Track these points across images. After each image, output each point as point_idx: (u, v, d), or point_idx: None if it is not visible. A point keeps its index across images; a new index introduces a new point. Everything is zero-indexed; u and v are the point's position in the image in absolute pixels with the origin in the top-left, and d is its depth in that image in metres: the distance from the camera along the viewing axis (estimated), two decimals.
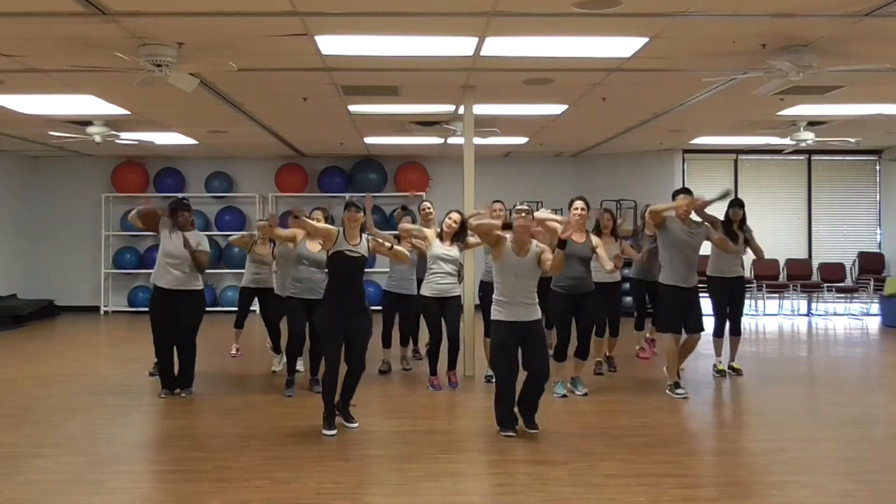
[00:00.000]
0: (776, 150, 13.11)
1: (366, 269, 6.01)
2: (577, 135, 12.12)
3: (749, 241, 7.99)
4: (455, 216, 7.19)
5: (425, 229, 7.47)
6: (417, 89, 8.56)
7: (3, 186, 13.77)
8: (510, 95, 8.86)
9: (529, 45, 6.77)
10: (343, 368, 5.79)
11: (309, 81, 8.13)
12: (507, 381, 5.62)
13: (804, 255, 14.13)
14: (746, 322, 11.08)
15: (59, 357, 9.57)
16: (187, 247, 6.75)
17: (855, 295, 13.77)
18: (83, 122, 10.25)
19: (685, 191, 7.08)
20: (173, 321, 6.92)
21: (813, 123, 10.68)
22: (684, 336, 7.04)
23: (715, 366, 8.08)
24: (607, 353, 8.18)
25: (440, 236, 7.19)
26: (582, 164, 14.97)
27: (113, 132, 10.50)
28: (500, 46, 6.74)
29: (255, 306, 8.96)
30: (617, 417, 6.30)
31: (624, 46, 6.78)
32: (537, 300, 5.68)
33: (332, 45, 6.68)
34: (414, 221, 8.36)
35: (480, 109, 9.09)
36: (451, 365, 7.31)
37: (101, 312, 14.29)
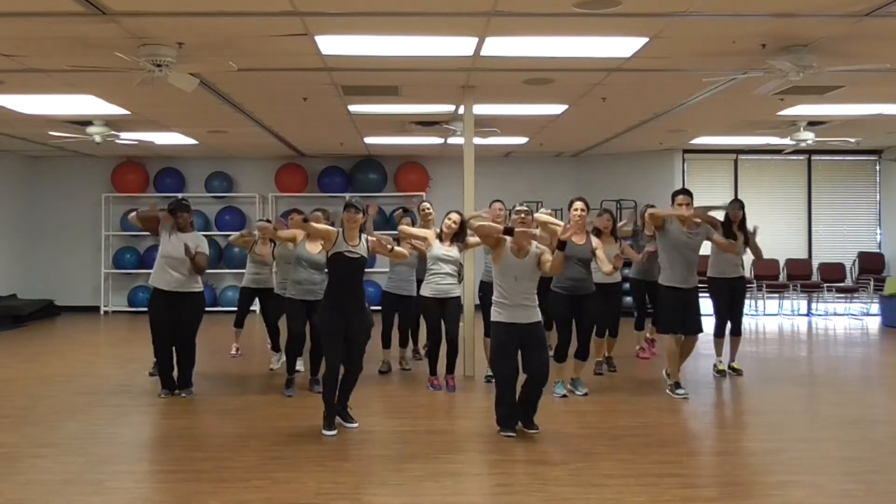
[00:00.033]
0: (776, 150, 13.12)
1: (366, 270, 6.01)
2: (577, 135, 12.12)
3: (749, 242, 7.99)
4: (455, 216, 7.18)
5: (425, 230, 7.47)
6: (417, 89, 8.56)
7: (3, 186, 13.77)
8: (510, 95, 8.86)
9: (529, 45, 6.77)
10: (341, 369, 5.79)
11: (309, 81, 8.13)
12: (506, 382, 5.61)
13: (804, 255, 14.13)
14: (746, 322, 11.07)
15: (59, 357, 9.57)
16: (187, 253, 6.75)
17: (855, 295, 13.78)
18: (83, 122, 10.25)
19: (685, 191, 7.07)
20: (173, 322, 6.92)
21: (813, 123, 10.68)
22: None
23: (715, 366, 8.08)
24: (606, 354, 8.18)
25: (440, 237, 7.19)
26: (582, 164, 14.97)
27: (113, 132, 10.50)
28: (500, 46, 6.74)
29: (256, 306, 8.97)
30: (617, 417, 6.30)
31: (624, 46, 6.78)
32: (537, 302, 5.68)
33: (332, 45, 6.68)
34: (414, 222, 8.36)
35: (480, 109, 9.09)
36: (450, 369, 7.29)
37: (101, 312, 14.30)
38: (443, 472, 4.86)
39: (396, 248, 6.22)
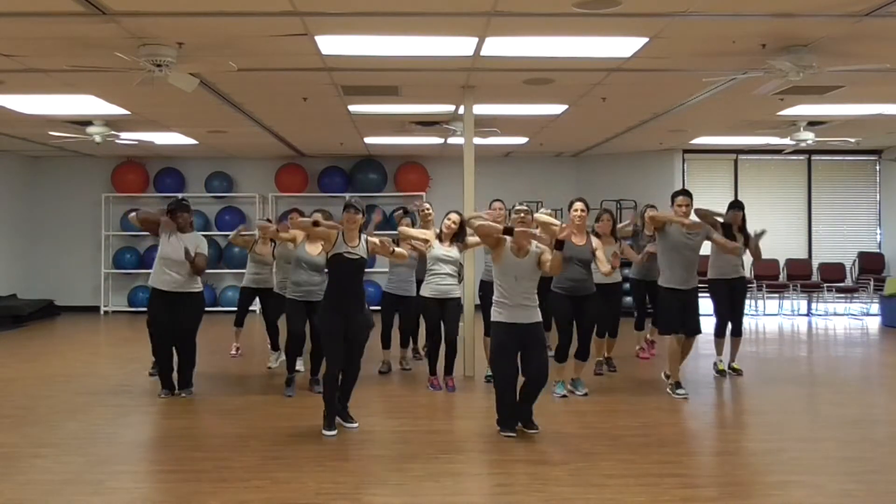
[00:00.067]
0: (776, 150, 13.11)
1: (365, 270, 6.01)
2: (577, 135, 12.12)
3: (748, 243, 7.99)
4: (454, 217, 7.18)
5: (424, 230, 7.47)
6: (417, 89, 8.56)
7: (3, 186, 13.77)
8: (510, 95, 8.86)
9: (529, 45, 6.77)
10: None
11: (309, 81, 8.13)
12: (506, 382, 5.61)
13: (804, 255, 14.13)
14: (746, 322, 11.06)
15: (59, 357, 9.57)
16: (187, 257, 6.75)
17: (855, 295, 13.78)
18: (83, 122, 10.25)
19: (684, 192, 7.06)
20: (172, 323, 6.91)
21: (813, 123, 10.68)
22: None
23: (715, 364, 8.09)
24: (606, 354, 8.18)
25: (440, 237, 7.19)
26: (582, 164, 14.97)
27: (113, 132, 10.51)
28: (500, 46, 6.74)
29: (256, 306, 8.96)
30: (617, 417, 6.30)
31: (624, 46, 6.78)
32: (538, 302, 5.68)
33: (332, 45, 6.68)
34: (413, 223, 8.36)
35: (480, 109, 9.09)
36: (449, 370, 7.28)
37: (101, 312, 14.30)
38: (443, 472, 4.86)
39: (396, 248, 6.22)
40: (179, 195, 12.38)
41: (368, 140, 12.49)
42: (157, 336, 7.00)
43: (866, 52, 6.70)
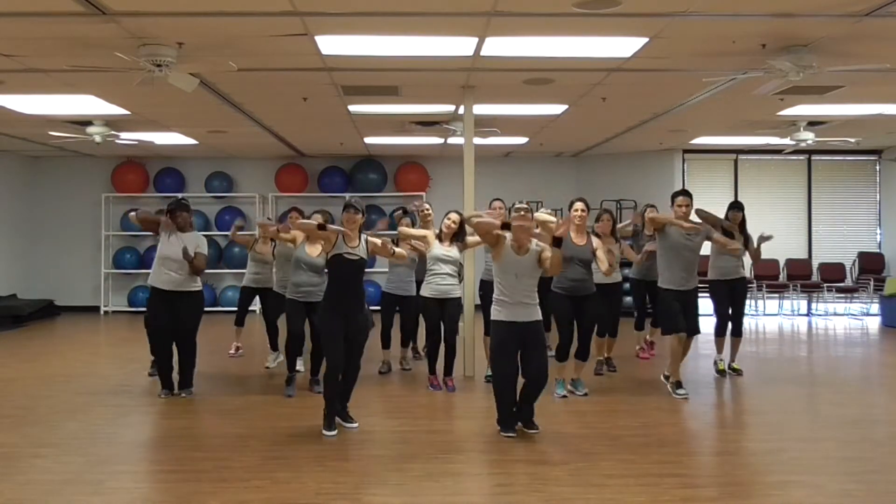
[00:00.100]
0: (776, 150, 13.12)
1: (365, 270, 6.01)
2: (577, 135, 12.12)
3: (748, 244, 7.99)
4: (454, 216, 7.17)
5: (424, 230, 7.47)
6: (417, 89, 8.56)
7: (3, 186, 13.77)
8: (510, 95, 8.86)
9: (529, 45, 6.77)
10: None
11: (309, 81, 8.13)
12: (506, 381, 5.61)
13: (804, 255, 14.13)
14: (746, 322, 11.06)
15: (59, 357, 9.57)
16: (186, 256, 6.75)
17: (855, 295, 13.78)
18: (83, 122, 10.25)
19: (684, 192, 7.07)
20: (172, 322, 6.91)
21: (813, 123, 10.68)
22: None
23: (716, 363, 8.09)
24: (606, 354, 8.18)
25: (439, 237, 7.19)
26: (582, 164, 14.97)
27: (113, 132, 10.51)
28: (500, 46, 6.74)
29: (256, 306, 8.96)
30: (617, 417, 6.30)
31: (624, 46, 6.78)
32: (538, 300, 5.67)
33: (332, 45, 6.68)
34: (413, 223, 8.36)
35: (480, 109, 9.09)
36: (448, 371, 7.28)
37: (101, 312, 14.30)
38: (443, 472, 4.86)
39: (396, 249, 6.22)
40: (179, 195, 12.37)
41: (368, 140, 12.49)
42: (155, 335, 7.00)
43: (866, 52, 6.70)
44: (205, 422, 6.32)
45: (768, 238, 7.93)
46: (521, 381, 5.66)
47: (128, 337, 11.56)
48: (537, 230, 5.73)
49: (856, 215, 14.36)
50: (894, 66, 6.65)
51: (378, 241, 5.93)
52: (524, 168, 14.84)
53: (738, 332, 8.09)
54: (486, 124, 10.14)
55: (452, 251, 7.15)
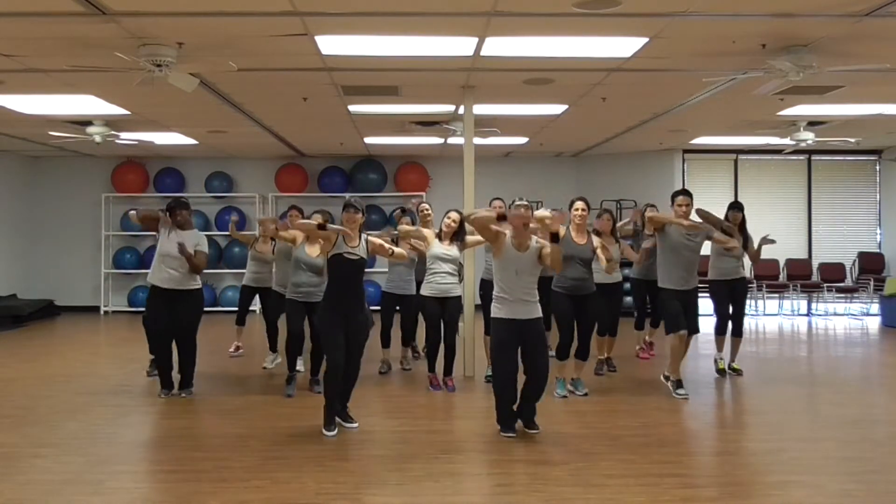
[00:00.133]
0: (776, 150, 13.12)
1: (365, 270, 6.01)
2: (577, 135, 12.12)
3: (748, 245, 7.99)
4: (454, 216, 7.18)
5: (424, 230, 7.47)
6: (417, 89, 8.56)
7: (3, 186, 13.77)
8: (510, 95, 8.86)
9: (529, 45, 6.77)
10: None
11: (309, 81, 8.13)
12: (506, 379, 5.60)
13: (804, 255, 14.13)
14: (746, 322, 11.06)
15: (59, 357, 9.57)
16: (182, 252, 6.73)
17: (855, 295, 13.78)
18: (83, 122, 10.25)
19: (684, 192, 7.07)
20: (171, 320, 6.91)
21: (813, 123, 10.68)
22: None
23: (716, 361, 8.09)
24: (606, 354, 8.18)
25: (439, 236, 7.19)
26: (582, 164, 14.97)
27: (113, 132, 10.50)
28: (500, 46, 6.74)
29: (256, 305, 8.96)
30: (617, 417, 6.30)
31: (624, 46, 6.78)
32: (538, 298, 5.67)
33: (332, 45, 6.68)
34: (413, 222, 8.36)
35: (480, 109, 9.09)
36: (447, 371, 7.29)
37: (101, 312, 14.30)
38: (443, 472, 4.86)
39: (396, 249, 6.22)
40: (179, 195, 12.36)
41: (368, 140, 12.49)
42: (155, 333, 7.00)
43: (866, 52, 6.70)
44: (205, 422, 6.32)
45: (771, 242, 7.93)
46: (521, 379, 5.67)
47: (128, 337, 11.56)
48: (534, 224, 5.71)
49: (856, 215, 14.36)
50: (894, 66, 6.65)
51: (378, 240, 5.93)
52: (524, 168, 14.84)
53: (738, 333, 8.09)
54: (486, 124, 10.14)
55: (452, 250, 7.15)
